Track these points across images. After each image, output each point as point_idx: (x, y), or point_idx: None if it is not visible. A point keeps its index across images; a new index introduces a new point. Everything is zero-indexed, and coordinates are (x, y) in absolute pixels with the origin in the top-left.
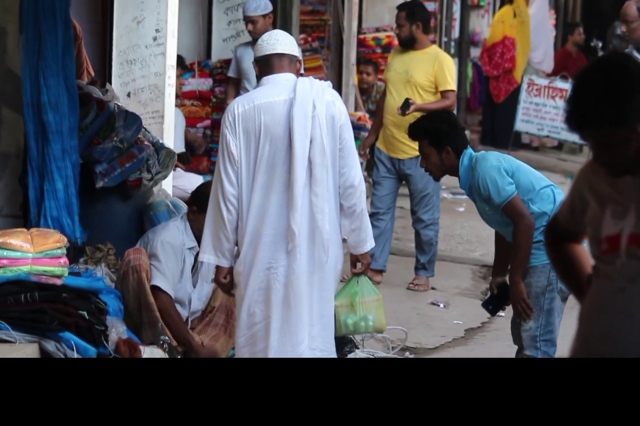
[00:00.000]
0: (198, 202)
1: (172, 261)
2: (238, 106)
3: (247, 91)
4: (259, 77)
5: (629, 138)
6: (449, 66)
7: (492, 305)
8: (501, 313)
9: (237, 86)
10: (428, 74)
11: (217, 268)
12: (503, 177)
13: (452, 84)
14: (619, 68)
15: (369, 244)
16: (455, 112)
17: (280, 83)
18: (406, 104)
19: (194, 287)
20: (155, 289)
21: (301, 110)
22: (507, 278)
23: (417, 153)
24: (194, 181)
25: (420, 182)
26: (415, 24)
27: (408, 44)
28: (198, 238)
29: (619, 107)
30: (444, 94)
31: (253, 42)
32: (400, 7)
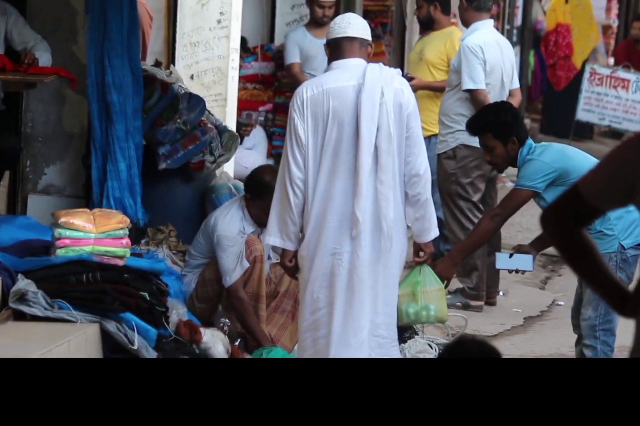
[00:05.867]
0: (250, 190)
1: (232, 254)
2: (307, 90)
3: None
4: (329, 60)
5: None
6: None
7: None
8: (560, 302)
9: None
10: (440, 52)
11: (283, 251)
12: (545, 176)
13: None
14: None
15: (433, 233)
16: None
17: (349, 68)
18: (406, 79)
19: None
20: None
21: (369, 96)
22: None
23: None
24: (253, 159)
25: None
26: (433, 4)
27: (427, 26)
28: (257, 223)
29: None
30: None
31: (318, 26)
32: None
